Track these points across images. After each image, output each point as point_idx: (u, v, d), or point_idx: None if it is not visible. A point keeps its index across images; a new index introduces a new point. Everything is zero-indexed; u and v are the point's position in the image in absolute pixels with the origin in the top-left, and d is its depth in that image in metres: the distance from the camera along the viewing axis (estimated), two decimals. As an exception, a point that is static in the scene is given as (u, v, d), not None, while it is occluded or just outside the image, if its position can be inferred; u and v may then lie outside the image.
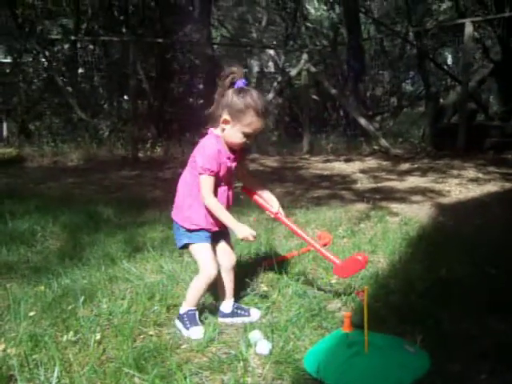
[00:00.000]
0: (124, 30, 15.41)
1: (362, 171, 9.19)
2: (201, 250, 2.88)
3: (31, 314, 3.02)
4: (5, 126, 14.07)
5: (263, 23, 22.15)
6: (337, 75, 18.29)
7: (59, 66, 14.79)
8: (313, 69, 12.83)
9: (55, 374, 2.33)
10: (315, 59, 17.01)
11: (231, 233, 2.95)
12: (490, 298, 3.07)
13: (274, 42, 22.90)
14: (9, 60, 14.96)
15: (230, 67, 2.87)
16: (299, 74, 12.98)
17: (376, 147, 12.01)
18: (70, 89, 14.73)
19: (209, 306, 3.12)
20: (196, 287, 2.88)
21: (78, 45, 15.51)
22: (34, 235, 4.86)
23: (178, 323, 2.86)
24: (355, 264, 2.98)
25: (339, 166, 9.98)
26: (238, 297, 3.15)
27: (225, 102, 2.78)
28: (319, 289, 3.41)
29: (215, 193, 2.84)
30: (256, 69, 20.34)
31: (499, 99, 15.92)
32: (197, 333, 2.77)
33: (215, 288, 3.07)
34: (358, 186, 7.73)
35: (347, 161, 10.71)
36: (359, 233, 4.87)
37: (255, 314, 3.00)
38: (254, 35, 22.47)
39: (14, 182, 8.35)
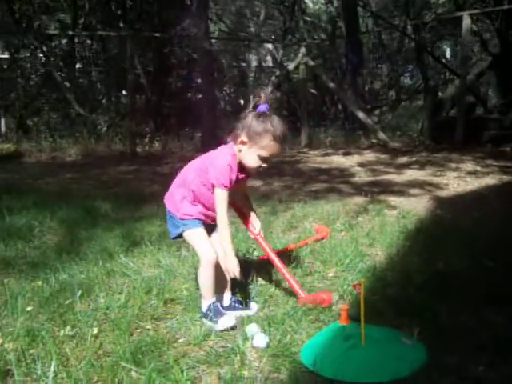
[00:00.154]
0: (122, 25, 15.36)
1: (361, 165, 9.18)
2: (196, 235, 2.90)
3: (28, 308, 3.02)
4: (3, 121, 14.04)
5: (261, 17, 22.10)
6: (335, 69, 18.28)
7: (57, 62, 14.78)
8: (311, 62, 12.80)
9: (52, 369, 2.32)
10: (313, 53, 17.00)
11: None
12: (488, 291, 3.06)
13: (272, 36, 22.85)
14: (6, 55, 14.95)
15: (258, 91, 2.92)
16: (297, 67, 12.96)
17: (374, 141, 12.01)
18: (67, 84, 14.72)
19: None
20: (203, 277, 2.87)
21: (76, 40, 15.48)
22: (32, 230, 4.86)
23: (206, 322, 2.83)
24: (321, 300, 2.99)
25: (337, 160, 9.98)
26: (234, 290, 3.15)
27: (245, 124, 2.84)
28: (316, 282, 3.41)
29: (209, 200, 2.89)
30: (254, 63, 20.30)
31: (498, 92, 15.92)
32: (227, 322, 2.77)
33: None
34: (356, 179, 7.73)
35: (345, 154, 10.70)
36: (357, 226, 4.87)
37: (253, 307, 3.00)
38: (252, 29, 22.42)
39: (11, 177, 8.35)
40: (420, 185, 7.03)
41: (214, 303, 2.87)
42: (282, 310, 2.93)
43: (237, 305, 3.02)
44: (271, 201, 6.06)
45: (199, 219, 2.92)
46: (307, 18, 21.29)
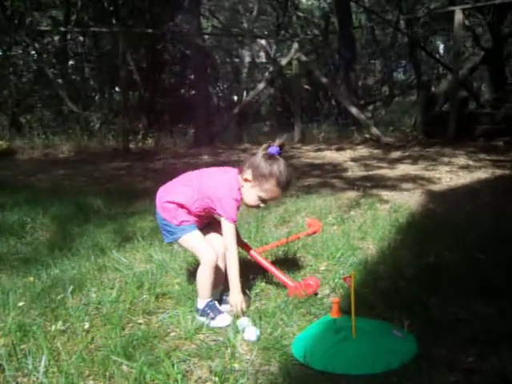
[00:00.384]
0: (114, 21, 15.32)
1: (353, 159, 9.19)
2: (194, 237, 2.90)
3: (20, 304, 3.02)
4: (-5, 118, 14.03)
5: (254, 13, 22.06)
6: (328, 64, 18.30)
7: (49, 58, 14.72)
8: (303, 58, 12.80)
9: (43, 363, 2.33)
10: (306, 48, 17.00)
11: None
12: (479, 284, 3.07)
13: (266, 32, 22.82)
14: (-2, 53, 14.88)
15: (280, 137, 2.94)
16: (290, 63, 12.95)
17: (367, 136, 12.02)
18: (60, 81, 14.68)
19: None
20: (203, 278, 2.86)
21: (68, 36, 15.43)
22: (24, 227, 4.86)
23: (201, 319, 2.81)
24: (308, 287, 3.02)
25: (330, 155, 9.99)
26: (226, 285, 3.15)
27: (252, 162, 2.85)
28: (308, 275, 3.41)
29: (204, 219, 2.98)
30: (247, 59, 20.27)
31: (491, 87, 15.96)
32: (224, 320, 2.78)
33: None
34: (349, 174, 7.74)
35: (338, 149, 10.72)
36: (349, 220, 4.88)
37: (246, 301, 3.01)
38: (245, 25, 22.38)
39: (3, 174, 8.33)
40: (412, 179, 7.04)
41: (211, 301, 2.87)
42: (273, 304, 2.93)
43: (228, 298, 3.02)
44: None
45: (195, 223, 2.94)
46: (300, 14, 21.29)
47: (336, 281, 3.28)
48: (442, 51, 21.89)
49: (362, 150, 10.54)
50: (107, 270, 3.65)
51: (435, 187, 6.53)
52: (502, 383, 2.16)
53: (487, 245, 3.86)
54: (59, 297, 3.12)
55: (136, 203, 5.87)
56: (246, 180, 2.85)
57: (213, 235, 3.04)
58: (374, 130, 11.65)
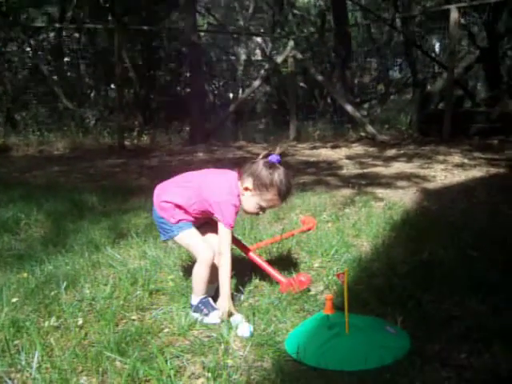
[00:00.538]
0: (109, 18, 15.30)
1: (349, 157, 9.20)
2: (191, 235, 2.90)
3: (14, 300, 3.01)
4: (-10, 115, 13.99)
5: (250, 10, 22.06)
6: (324, 62, 18.30)
7: (44, 55, 14.69)
8: (299, 55, 12.79)
9: (36, 359, 2.33)
10: (302, 46, 16.99)
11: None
12: (472, 281, 3.08)
13: (261, 30, 22.82)
14: (-7, 49, 14.84)
15: (279, 143, 2.95)
16: (285, 61, 12.94)
17: (363, 134, 12.04)
18: (55, 78, 14.64)
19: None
20: (198, 275, 2.86)
21: (64, 33, 15.39)
22: (18, 223, 4.84)
23: (194, 315, 2.81)
24: (300, 283, 3.03)
25: (325, 153, 10.00)
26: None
27: (253, 171, 2.83)
28: (302, 272, 3.42)
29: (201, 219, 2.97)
30: (243, 56, 20.26)
31: (486, 86, 15.98)
32: (218, 316, 2.77)
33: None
34: (344, 171, 7.75)
35: (334, 147, 10.72)
36: (343, 217, 4.88)
37: (239, 298, 3.02)
38: (241, 23, 22.38)
39: (-2, 171, 8.32)
40: (407, 177, 7.06)
41: (205, 298, 2.87)
42: (267, 300, 2.94)
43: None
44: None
45: (191, 221, 2.94)
46: (296, 12, 21.28)
47: (330, 277, 3.28)
48: (437, 50, 21.88)
49: (357, 148, 10.55)
50: (101, 267, 3.65)
51: (430, 185, 6.54)
52: (495, 380, 2.17)
53: (481, 242, 3.87)
54: (53, 293, 3.11)
55: (131, 200, 5.86)
56: (246, 189, 2.84)
57: (209, 233, 3.03)
58: (370, 128, 11.67)
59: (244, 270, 3.35)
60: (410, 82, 18.53)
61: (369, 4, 20.14)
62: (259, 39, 21.03)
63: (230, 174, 2.95)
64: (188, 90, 14.71)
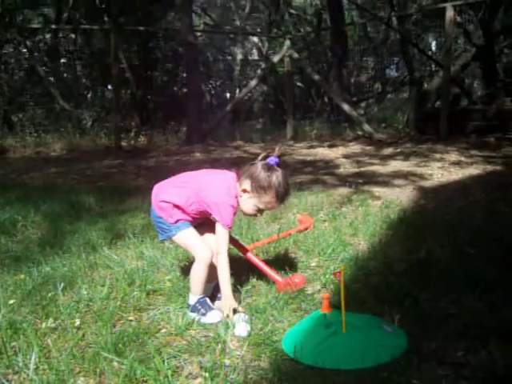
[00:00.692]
0: (106, 19, 15.29)
1: (346, 156, 9.20)
2: (189, 235, 2.90)
3: (11, 301, 3.01)
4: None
5: (246, 10, 22.05)
6: (321, 62, 18.31)
7: (41, 56, 14.68)
8: (295, 55, 12.80)
9: (33, 360, 2.32)
10: (298, 46, 17.00)
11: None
12: (469, 279, 3.08)
13: (258, 29, 22.82)
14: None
15: (277, 144, 2.95)
16: (282, 60, 12.95)
17: (360, 133, 12.04)
18: (52, 79, 14.63)
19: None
20: (196, 275, 2.86)
21: (60, 34, 15.38)
22: (15, 225, 4.84)
23: (192, 315, 2.81)
24: (295, 284, 3.04)
25: (322, 152, 9.99)
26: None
27: (251, 173, 2.83)
28: (299, 271, 3.43)
29: (199, 219, 2.97)
30: (240, 56, 20.26)
31: (483, 84, 15.99)
32: (215, 316, 2.77)
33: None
34: (341, 170, 7.75)
35: (331, 146, 10.73)
36: (340, 216, 4.88)
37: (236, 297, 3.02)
38: (238, 22, 22.37)
39: (-5, 172, 8.32)
40: (404, 175, 7.06)
41: (202, 298, 2.87)
42: (264, 300, 2.94)
43: (219, 294, 3.02)
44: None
45: (190, 221, 2.94)
46: (292, 11, 21.28)
47: (327, 276, 3.28)
48: (434, 48, 21.89)
49: (354, 147, 10.56)
50: (98, 268, 3.65)
51: (427, 183, 6.55)
52: (492, 377, 2.17)
53: (478, 240, 3.87)
54: (50, 294, 3.11)
55: (128, 201, 5.86)
56: (244, 191, 2.84)
57: (207, 233, 3.03)
58: (367, 127, 11.68)
59: (241, 269, 3.35)
60: (407, 80, 18.53)
61: (365, 3, 20.15)
62: (256, 39, 21.03)
63: (228, 175, 2.95)
64: (185, 90, 14.71)
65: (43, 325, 2.72)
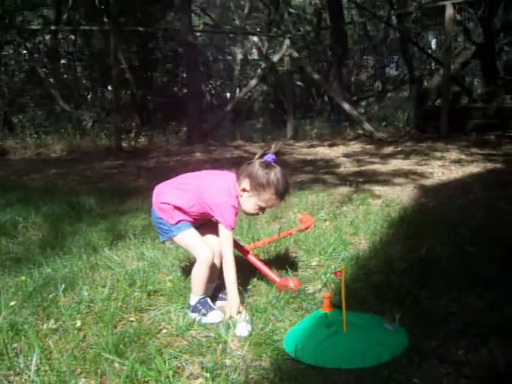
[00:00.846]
0: (105, 20, 15.29)
1: (346, 155, 9.20)
2: (190, 236, 2.89)
3: (12, 303, 3.01)
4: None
5: (246, 10, 22.06)
6: (321, 61, 18.31)
7: (41, 57, 14.69)
8: (295, 54, 12.80)
9: (34, 362, 2.33)
10: (298, 45, 16.99)
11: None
12: (470, 277, 3.08)
13: (257, 29, 22.82)
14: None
15: (274, 142, 2.94)
16: (282, 59, 12.95)
17: (360, 131, 12.05)
18: (52, 80, 14.64)
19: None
20: (198, 275, 2.85)
21: (60, 35, 15.39)
22: (16, 226, 4.85)
23: (193, 315, 2.81)
24: (289, 287, 3.04)
25: (323, 151, 10.00)
26: (221, 279, 3.15)
27: (249, 172, 2.82)
28: (299, 271, 3.43)
29: (200, 220, 2.96)
30: (240, 56, 20.27)
31: (483, 81, 15.98)
32: (216, 316, 2.77)
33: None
34: (342, 169, 7.75)
35: (331, 145, 10.73)
36: (341, 215, 4.88)
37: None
38: (237, 22, 22.38)
39: (-5, 174, 8.33)
40: (405, 174, 7.06)
41: (203, 298, 2.87)
42: (265, 299, 2.94)
43: (221, 294, 3.04)
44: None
45: (191, 222, 2.93)
46: (292, 10, 21.28)
47: (328, 276, 3.28)
48: (434, 46, 21.89)
49: (355, 146, 10.56)
50: (99, 269, 3.65)
51: (427, 182, 6.55)
52: (492, 375, 2.17)
53: (479, 238, 3.87)
54: (51, 295, 3.11)
55: (128, 201, 5.87)
56: (243, 190, 2.83)
57: (208, 233, 3.03)
58: (367, 126, 11.68)
59: (242, 269, 3.35)
60: (407, 78, 18.53)
61: (364, 2, 20.14)
62: (255, 38, 21.03)
63: (228, 176, 2.94)
64: (185, 90, 14.71)
65: (44, 326, 2.73)
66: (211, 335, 2.59)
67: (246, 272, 3.33)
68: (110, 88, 14.91)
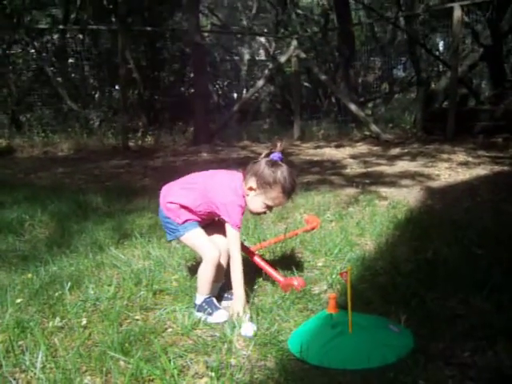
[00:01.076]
0: (113, 19, 15.32)
1: (353, 156, 9.19)
2: (197, 235, 2.90)
3: (18, 301, 3.02)
4: (-5, 117, 14.07)
5: (253, 10, 22.07)
6: (328, 62, 18.30)
7: (49, 57, 14.73)
8: (302, 55, 12.80)
9: (40, 359, 2.33)
10: (306, 46, 16.99)
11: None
12: (477, 279, 3.07)
13: (265, 30, 22.82)
14: (-2, 51, 14.90)
15: (278, 140, 2.94)
16: (289, 60, 12.95)
17: (367, 133, 12.04)
18: (59, 79, 14.68)
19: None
20: (204, 275, 2.85)
21: (68, 35, 15.43)
22: (23, 224, 4.86)
23: (198, 314, 2.81)
24: (294, 286, 3.04)
25: (330, 152, 9.99)
26: (227, 279, 3.15)
27: (256, 170, 2.82)
28: (305, 271, 3.43)
29: (207, 219, 2.97)
30: (247, 56, 20.28)
31: (490, 84, 15.94)
32: (222, 316, 2.78)
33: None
34: (348, 171, 7.74)
35: (338, 147, 10.72)
36: (347, 216, 4.87)
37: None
38: (245, 23, 22.39)
39: (3, 172, 8.37)
40: (411, 176, 7.04)
41: (209, 297, 2.87)
42: (271, 299, 2.94)
43: (226, 294, 3.04)
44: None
45: (197, 221, 2.93)
46: (299, 11, 21.28)
47: (333, 276, 3.28)
48: (441, 48, 21.85)
49: (362, 147, 10.55)
50: (105, 267, 3.65)
51: (434, 184, 6.53)
52: (498, 378, 2.16)
53: (485, 240, 3.85)
54: (57, 293, 3.12)
55: (135, 201, 5.88)
56: (250, 189, 2.83)
57: (215, 233, 3.03)
58: (374, 127, 11.66)
59: (247, 270, 3.34)
60: (414, 80, 18.51)
61: (372, 3, 20.13)
62: (263, 39, 21.05)
63: (235, 175, 2.94)
64: (192, 90, 14.72)
65: (50, 324, 2.74)
66: (216, 335, 2.60)
67: (252, 273, 3.32)
68: (117, 87, 14.93)
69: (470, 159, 8.14)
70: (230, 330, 2.58)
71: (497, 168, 7.34)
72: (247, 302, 2.90)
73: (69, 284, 3.21)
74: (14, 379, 2.26)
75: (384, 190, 6.12)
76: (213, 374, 2.21)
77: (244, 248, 3.24)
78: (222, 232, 2.91)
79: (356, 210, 5.17)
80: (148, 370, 2.23)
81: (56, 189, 6.56)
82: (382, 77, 19.91)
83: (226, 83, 20.95)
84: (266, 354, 2.39)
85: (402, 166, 7.97)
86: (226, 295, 3.05)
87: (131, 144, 11.76)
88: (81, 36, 15.53)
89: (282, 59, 13.36)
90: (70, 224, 4.86)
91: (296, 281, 3.06)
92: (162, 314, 2.85)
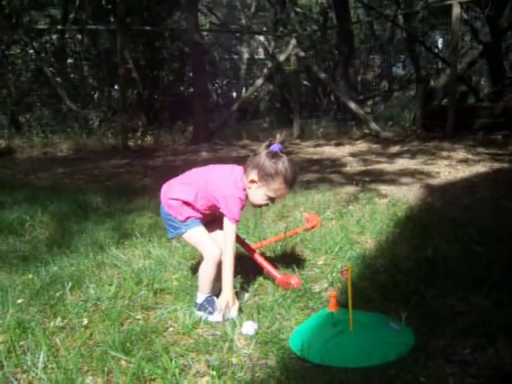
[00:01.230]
0: (112, 19, 15.31)
1: (352, 155, 9.20)
2: (198, 233, 2.90)
3: (19, 301, 3.03)
4: (-6, 118, 14.06)
5: (252, 9, 22.05)
6: (327, 60, 18.29)
7: (48, 57, 14.73)
8: (301, 53, 12.80)
9: (41, 359, 2.34)
10: (305, 44, 16.98)
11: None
12: (477, 276, 3.06)
13: (264, 28, 22.81)
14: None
15: (278, 132, 2.93)
16: (288, 59, 12.95)
17: (366, 131, 12.04)
18: (59, 79, 14.67)
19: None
20: (205, 273, 2.86)
21: (66, 35, 15.42)
22: (23, 225, 4.86)
23: (199, 313, 2.81)
24: (292, 285, 3.04)
25: (329, 150, 10.00)
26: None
27: (256, 163, 2.82)
28: (306, 270, 3.43)
29: (208, 215, 2.96)
30: (246, 55, 20.27)
31: (490, 81, 15.94)
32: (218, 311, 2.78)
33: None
34: (348, 169, 7.75)
35: (337, 145, 10.73)
36: (347, 214, 4.88)
37: (244, 296, 3.02)
38: (244, 21, 22.37)
39: (3, 173, 8.37)
40: (411, 173, 7.05)
41: (210, 296, 2.87)
42: (271, 298, 2.94)
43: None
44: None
45: (199, 218, 2.93)
46: (298, 10, 21.26)
47: (334, 275, 3.28)
48: (440, 45, 21.84)
49: (361, 145, 10.55)
50: (106, 267, 3.66)
51: (434, 181, 6.53)
52: (499, 375, 2.16)
53: (485, 238, 3.85)
54: (58, 294, 3.12)
55: (135, 200, 5.88)
56: (252, 181, 2.83)
57: (217, 231, 3.03)
58: (373, 125, 11.66)
59: (248, 268, 3.36)
60: (414, 78, 18.51)
61: (371, 1, 20.10)
62: (262, 38, 21.03)
63: (235, 168, 2.95)
64: (191, 89, 14.72)
65: (51, 324, 2.74)
66: (218, 333, 2.60)
67: (253, 271, 3.33)
68: (116, 87, 14.93)
69: (470, 156, 8.14)
70: (231, 329, 2.58)
71: (496, 165, 7.35)
72: (247, 300, 2.91)
73: (69, 284, 3.21)
74: (16, 380, 2.27)
75: (384, 188, 6.13)
76: (214, 373, 2.22)
77: (244, 244, 3.25)
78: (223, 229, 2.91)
79: (356, 208, 5.17)
80: (149, 370, 2.24)
81: (56, 189, 6.57)
82: (381, 75, 19.92)
83: (225, 82, 20.96)
84: (267, 353, 2.39)
85: (402, 163, 7.98)
86: None
87: (131, 144, 11.76)
88: (80, 36, 15.52)
89: (281, 58, 13.35)
90: (70, 224, 4.86)
91: (293, 279, 3.07)
92: (163, 314, 2.85)
